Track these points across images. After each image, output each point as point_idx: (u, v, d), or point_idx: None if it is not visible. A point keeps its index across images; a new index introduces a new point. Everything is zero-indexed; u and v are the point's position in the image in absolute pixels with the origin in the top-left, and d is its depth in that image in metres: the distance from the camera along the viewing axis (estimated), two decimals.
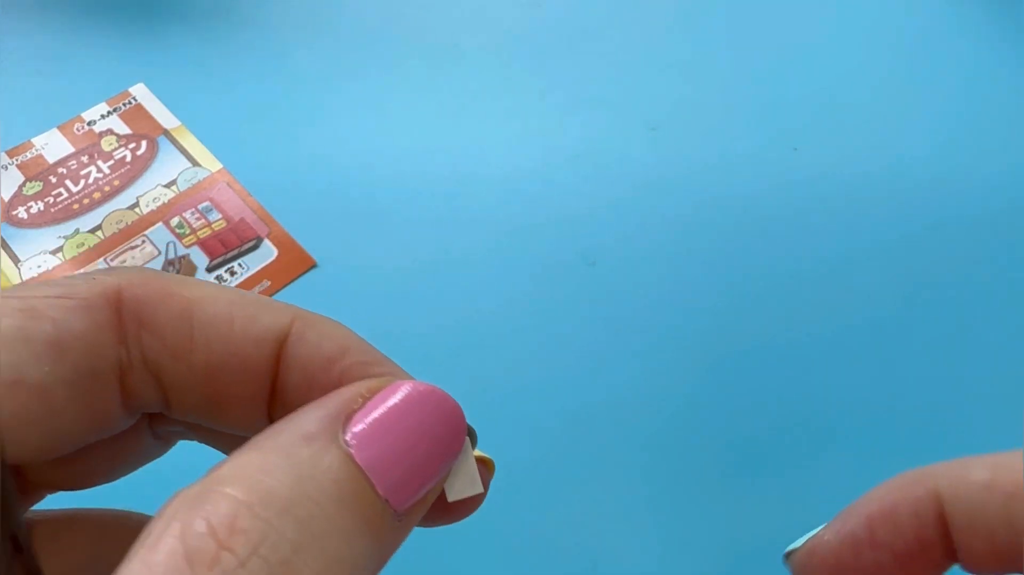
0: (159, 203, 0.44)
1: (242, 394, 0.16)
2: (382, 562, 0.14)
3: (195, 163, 0.46)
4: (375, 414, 0.14)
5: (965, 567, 0.18)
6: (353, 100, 0.48)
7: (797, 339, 0.39)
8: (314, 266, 0.42)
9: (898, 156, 0.46)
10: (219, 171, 0.45)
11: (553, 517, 0.35)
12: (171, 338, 0.15)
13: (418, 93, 0.48)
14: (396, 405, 0.14)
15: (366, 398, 0.15)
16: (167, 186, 0.45)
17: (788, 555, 0.19)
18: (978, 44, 0.50)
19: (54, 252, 0.42)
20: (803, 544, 0.19)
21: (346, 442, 0.14)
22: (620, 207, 0.44)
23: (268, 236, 0.43)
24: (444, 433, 0.15)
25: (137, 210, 0.44)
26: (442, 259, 0.42)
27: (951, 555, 0.18)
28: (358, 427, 0.14)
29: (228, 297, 0.16)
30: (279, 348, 0.16)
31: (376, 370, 0.16)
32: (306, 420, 0.14)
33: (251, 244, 0.43)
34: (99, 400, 0.15)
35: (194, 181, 0.45)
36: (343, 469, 0.13)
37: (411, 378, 0.16)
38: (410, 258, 0.42)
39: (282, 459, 0.13)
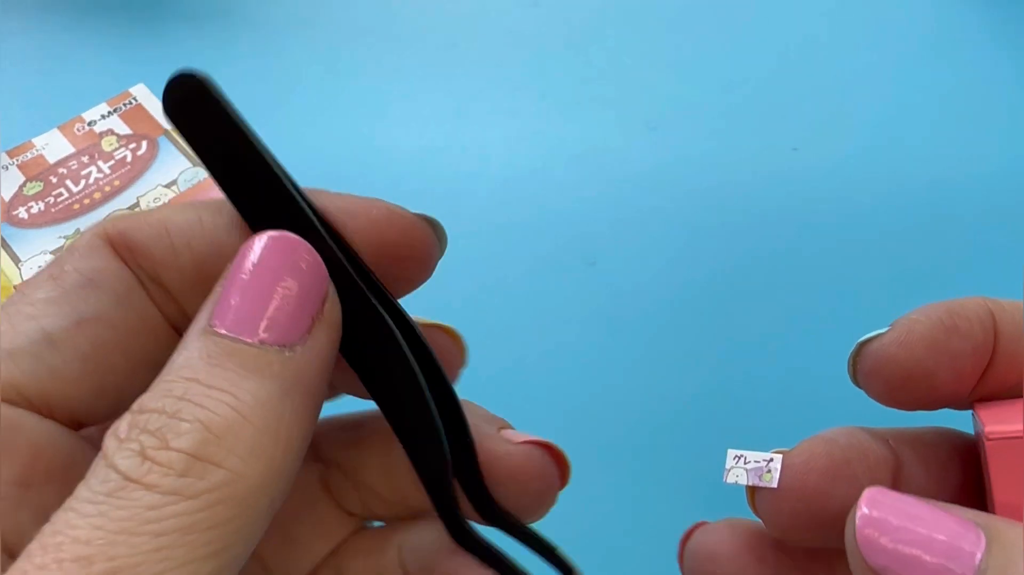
0: (159, 203, 0.44)
1: None
2: (298, 391, 0.16)
3: (195, 163, 0.46)
4: (223, 290, 0.16)
5: (993, 382, 0.19)
6: (353, 100, 0.48)
7: (797, 339, 0.39)
8: None
9: (898, 155, 0.46)
10: None
11: (552, 517, 0.35)
12: (158, 252, 0.18)
13: (418, 93, 0.49)
14: (232, 271, 0.16)
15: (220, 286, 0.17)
16: (167, 186, 0.45)
17: (866, 343, 0.19)
18: (978, 44, 0.50)
19: (55, 252, 0.42)
20: (892, 329, 0.19)
21: (211, 326, 0.16)
22: (620, 207, 0.44)
23: None
24: (280, 264, 0.16)
25: (138, 210, 0.44)
26: (442, 259, 0.42)
27: (988, 367, 0.19)
28: (216, 310, 0.16)
29: (189, 205, 0.18)
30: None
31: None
32: (188, 333, 0.16)
33: None
34: (146, 319, 0.18)
35: (194, 181, 0.45)
36: (208, 343, 0.15)
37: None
38: None
39: (167, 370, 0.16)
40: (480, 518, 0.19)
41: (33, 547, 0.14)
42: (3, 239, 0.43)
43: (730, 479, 0.19)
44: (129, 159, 0.46)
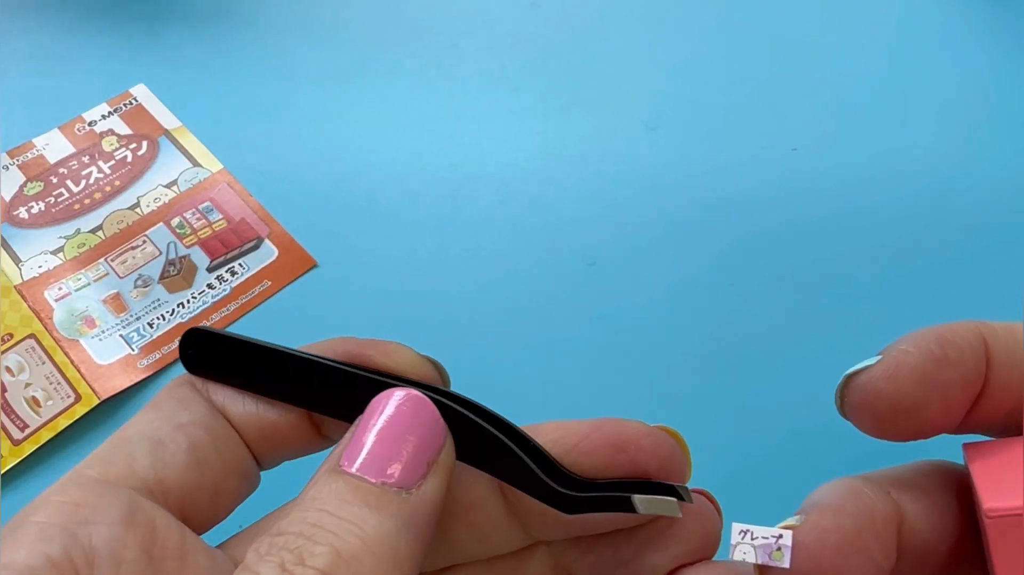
0: (160, 203, 0.44)
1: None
2: (412, 530, 0.18)
3: (196, 163, 0.46)
4: (353, 436, 0.19)
5: (986, 410, 0.19)
6: (353, 100, 0.48)
7: (797, 338, 0.39)
8: (314, 266, 0.42)
9: (897, 156, 0.46)
10: (219, 171, 0.45)
11: None
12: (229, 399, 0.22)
13: (418, 93, 0.49)
14: (363, 420, 0.19)
15: (351, 433, 0.20)
16: (168, 186, 0.45)
17: (854, 375, 0.19)
18: (978, 44, 0.50)
19: (55, 252, 0.42)
20: (880, 361, 0.19)
21: (339, 467, 0.19)
22: (619, 207, 0.44)
23: (268, 236, 0.43)
24: (412, 415, 0.19)
25: (138, 210, 0.44)
26: (442, 259, 0.42)
27: (981, 395, 0.19)
28: (346, 451, 0.19)
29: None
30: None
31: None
32: (320, 469, 0.19)
33: (251, 244, 0.43)
34: (229, 430, 0.22)
35: (195, 181, 0.45)
36: (338, 481, 0.18)
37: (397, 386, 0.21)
38: (410, 258, 0.42)
39: (300, 501, 0.18)
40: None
41: None
42: (3, 239, 0.43)
43: (737, 556, 0.19)
44: (129, 159, 0.46)
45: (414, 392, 0.20)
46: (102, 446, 0.20)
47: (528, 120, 0.47)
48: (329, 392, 0.21)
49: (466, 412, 0.20)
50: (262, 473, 0.23)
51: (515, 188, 0.45)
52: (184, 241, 0.43)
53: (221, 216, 0.44)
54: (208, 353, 0.22)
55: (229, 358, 0.22)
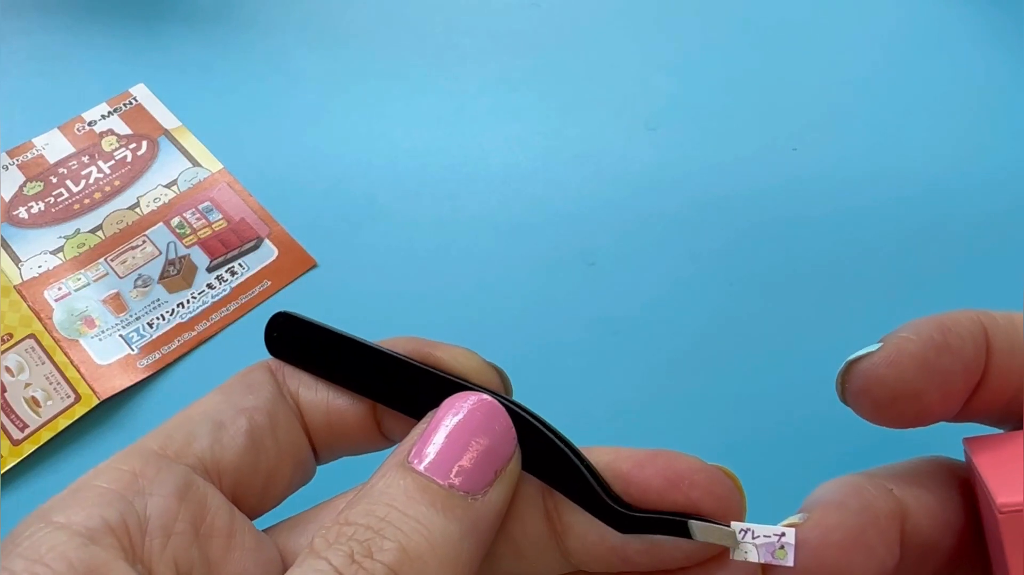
0: (160, 203, 0.44)
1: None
2: (475, 537, 0.18)
3: (195, 163, 0.46)
4: (423, 434, 0.19)
5: (985, 399, 0.19)
6: (353, 100, 0.48)
7: (797, 339, 0.39)
8: (314, 266, 0.42)
9: (897, 156, 0.46)
10: (219, 171, 0.45)
11: None
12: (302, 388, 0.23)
13: (418, 93, 0.49)
14: (436, 420, 0.19)
15: (423, 428, 0.20)
16: (168, 186, 0.45)
17: (855, 361, 0.19)
18: (977, 44, 0.50)
19: (55, 252, 0.42)
20: (881, 348, 0.19)
21: (408, 462, 0.19)
22: (620, 207, 0.44)
23: (268, 236, 0.43)
24: (485, 421, 0.20)
25: (138, 210, 0.44)
26: (442, 259, 0.42)
27: (980, 383, 0.19)
28: (415, 448, 0.19)
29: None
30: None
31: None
32: (383, 464, 0.19)
33: (251, 244, 0.43)
34: (291, 418, 0.22)
35: (195, 181, 0.45)
36: (406, 478, 0.18)
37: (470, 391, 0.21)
38: (410, 258, 0.42)
39: (367, 492, 0.19)
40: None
41: None
42: (3, 239, 0.43)
43: (737, 556, 0.19)
44: (129, 159, 0.46)
45: (488, 398, 0.20)
46: (167, 423, 0.21)
47: (528, 120, 0.47)
48: (401, 387, 0.21)
49: (534, 421, 0.20)
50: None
51: (515, 188, 0.45)
52: (184, 241, 0.43)
53: (221, 216, 0.44)
54: (291, 338, 0.22)
55: (311, 344, 0.22)
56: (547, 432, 0.20)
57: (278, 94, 0.48)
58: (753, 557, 0.18)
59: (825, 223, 0.43)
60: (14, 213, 0.44)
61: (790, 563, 0.18)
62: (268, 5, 0.52)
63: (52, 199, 0.44)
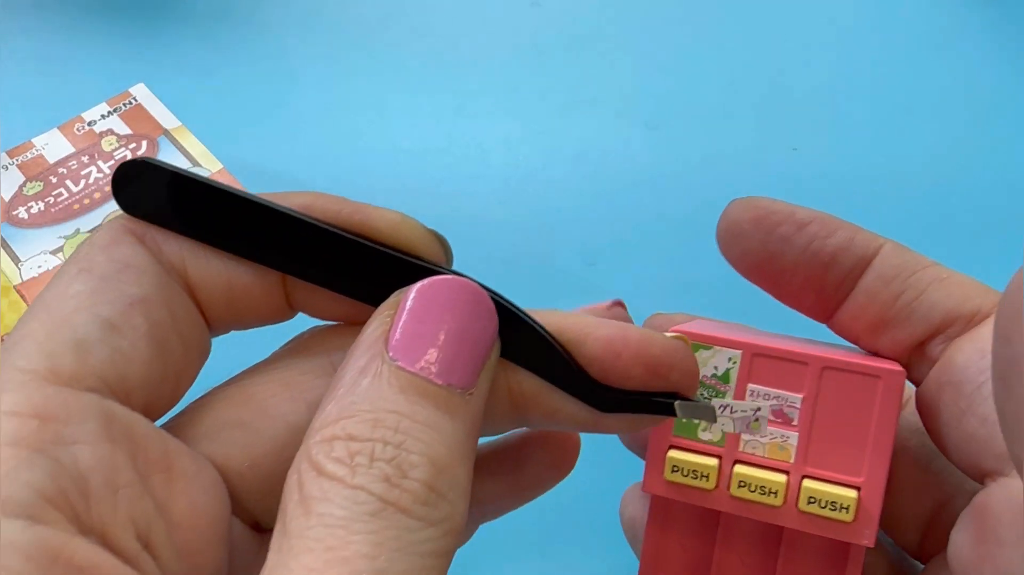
0: None
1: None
2: (474, 434, 0.17)
3: (195, 163, 0.46)
4: (400, 326, 0.17)
5: (850, 313, 0.22)
6: (353, 100, 0.48)
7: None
8: None
9: (898, 156, 0.46)
10: (219, 171, 0.45)
11: (550, 514, 0.35)
12: (190, 259, 0.18)
13: (418, 93, 0.49)
14: (414, 308, 0.17)
15: (391, 313, 0.17)
16: None
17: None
18: (977, 44, 0.50)
19: (54, 252, 0.42)
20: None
21: (391, 359, 0.16)
22: (620, 207, 0.44)
23: None
24: (469, 308, 0.17)
25: None
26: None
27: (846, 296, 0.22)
28: (395, 341, 0.16)
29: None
30: None
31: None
32: (356, 356, 0.17)
33: None
34: (187, 303, 0.18)
35: None
36: (398, 378, 0.16)
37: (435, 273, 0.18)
38: None
39: (354, 396, 0.16)
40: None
41: (309, 560, 0.14)
42: (3, 239, 0.43)
43: (714, 430, 0.20)
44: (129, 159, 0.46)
45: (471, 282, 0.18)
46: (31, 323, 0.16)
47: (528, 120, 0.47)
48: (335, 263, 0.18)
49: (506, 302, 0.18)
50: None
51: (515, 188, 0.45)
52: None
53: None
54: (155, 195, 0.18)
55: (185, 203, 0.18)
56: (524, 316, 0.18)
57: (278, 94, 0.48)
58: (729, 429, 0.19)
59: None
60: (14, 213, 0.44)
61: (764, 435, 0.20)
62: (268, 5, 0.52)
63: (52, 199, 0.44)
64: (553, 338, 0.18)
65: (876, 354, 0.22)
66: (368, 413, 0.16)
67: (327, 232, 0.18)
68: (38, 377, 0.15)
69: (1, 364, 0.15)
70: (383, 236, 0.19)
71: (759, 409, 0.19)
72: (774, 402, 0.21)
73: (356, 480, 0.15)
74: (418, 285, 0.17)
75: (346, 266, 0.18)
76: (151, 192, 0.18)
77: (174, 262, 0.18)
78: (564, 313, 0.19)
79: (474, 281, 0.18)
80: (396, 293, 0.18)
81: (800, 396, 0.20)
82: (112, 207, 0.44)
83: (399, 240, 0.19)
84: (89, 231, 0.43)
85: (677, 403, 0.18)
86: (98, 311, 0.16)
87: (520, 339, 0.18)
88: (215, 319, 0.19)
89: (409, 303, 0.17)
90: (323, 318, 0.20)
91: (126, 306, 0.16)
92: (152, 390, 0.17)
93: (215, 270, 0.18)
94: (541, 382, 0.18)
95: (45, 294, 0.17)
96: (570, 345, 0.18)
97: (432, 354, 0.16)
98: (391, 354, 0.16)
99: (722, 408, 0.19)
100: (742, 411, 0.19)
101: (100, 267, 0.17)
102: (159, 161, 0.18)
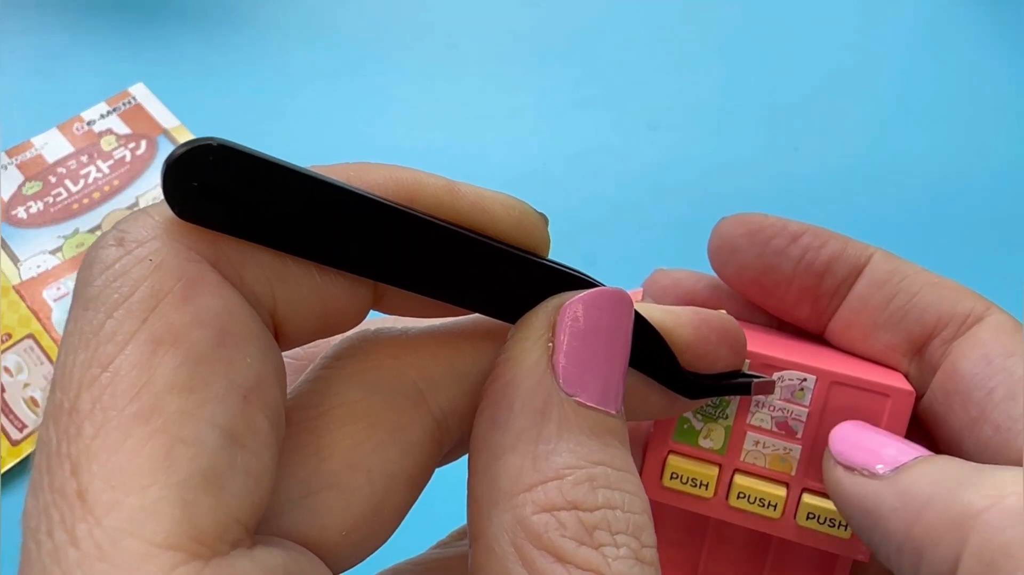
0: (159, 203, 0.44)
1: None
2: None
3: None
4: (567, 350, 0.15)
5: (843, 322, 0.22)
6: (353, 100, 0.48)
7: None
8: None
9: (898, 156, 0.46)
10: None
11: None
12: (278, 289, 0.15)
13: (418, 93, 0.48)
14: (584, 330, 0.15)
15: (548, 335, 0.15)
16: None
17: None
18: (977, 44, 0.50)
19: (53, 252, 0.42)
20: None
21: (568, 395, 0.15)
22: (620, 206, 0.44)
23: None
24: (625, 323, 0.16)
25: (137, 210, 0.44)
26: None
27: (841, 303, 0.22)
28: (564, 371, 0.15)
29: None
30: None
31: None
32: (524, 394, 0.15)
33: None
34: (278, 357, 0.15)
35: None
36: (588, 420, 0.15)
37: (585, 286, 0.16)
38: None
39: (547, 446, 0.14)
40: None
41: None
42: (2, 239, 0.43)
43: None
44: (128, 159, 0.46)
45: (622, 291, 0.16)
46: (120, 441, 0.11)
47: (528, 120, 0.47)
48: (448, 269, 0.15)
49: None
50: None
51: (515, 188, 0.44)
52: None
53: None
54: (231, 193, 0.13)
55: (274, 204, 0.13)
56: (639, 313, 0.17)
57: (278, 94, 0.48)
58: (776, 395, 0.20)
59: (825, 223, 0.43)
60: (13, 213, 0.44)
61: (806, 404, 0.20)
62: (267, 4, 0.52)
63: (51, 199, 0.44)
64: (656, 331, 0.17)
65: (874, 362, 0.21)
66: (575, 469, 0.14)
67: (457, 235, 0.15)
68: (188, 555, 0.11)
69: (115, 527, 0.11)
70: (506, 234, 0.16)
71: (804, 379, 0.20)
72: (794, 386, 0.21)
73: (616, 569, 0.13)
74: (582, 301, 0.15)
75: (471, 275, 0.15)
76: (225, 189, 0.13)
77: (260, 296, 0.14)
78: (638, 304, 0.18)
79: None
80: (541, 309, 0.15)
81: (806, 409, 0.20)
82: (112, 207, 0.44)
83: (522, 238, 0.16)
84: (88, 231, 0.43)
85: (755, 382, 0.19)
86: (212, 417, 0.12)
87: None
88: (289, 343, 0.15)
89: (579, 323, 0.15)
90: (404, 315, 0.17)
91: (240, 402, 0.12)
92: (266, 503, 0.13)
93: (307, 294, 0.14)
94: (639, 377, 0.17)
95: (107, 379, 0.12)
96: (661, 329, 0.17)
97: (601, 381, 0.15)
98: (565, 388, 0.14)
99: (779, 378, 0.20)
100: (790, 379, 0.20)
101: (187, 337, 0.12)
102: (238, 145, 0.13)
